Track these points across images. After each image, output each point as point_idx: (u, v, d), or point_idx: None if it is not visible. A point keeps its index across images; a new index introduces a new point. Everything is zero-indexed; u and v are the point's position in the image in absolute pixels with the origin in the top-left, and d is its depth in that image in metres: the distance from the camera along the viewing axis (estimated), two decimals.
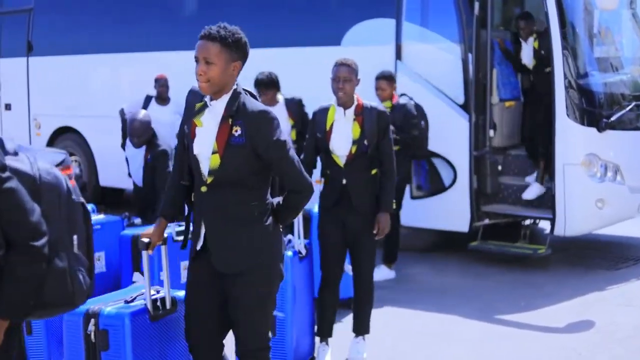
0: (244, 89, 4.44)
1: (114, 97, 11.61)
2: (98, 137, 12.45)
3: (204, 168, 4.35)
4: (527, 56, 9.88)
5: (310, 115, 6.48)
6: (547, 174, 9.34)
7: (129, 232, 6.77)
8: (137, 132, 8.51)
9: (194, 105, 4.49)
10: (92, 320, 4.56)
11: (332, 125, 6.11)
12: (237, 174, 4.29)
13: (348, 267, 6.95)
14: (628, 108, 9.14)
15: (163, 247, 4.72)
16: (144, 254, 4.60)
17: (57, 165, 8.74)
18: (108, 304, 4.67)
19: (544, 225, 10.21)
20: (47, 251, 3.34)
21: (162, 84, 11.04)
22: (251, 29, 11.08)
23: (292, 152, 4.39)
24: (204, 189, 4.36)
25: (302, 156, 6.23)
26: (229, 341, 4.61)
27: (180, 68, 11.30)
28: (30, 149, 9.73)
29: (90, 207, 7.67)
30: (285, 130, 6.72)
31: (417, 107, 8.85)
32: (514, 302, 7.98)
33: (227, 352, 4.68)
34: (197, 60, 4.31)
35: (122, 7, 12.28)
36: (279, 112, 8.68)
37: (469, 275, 9.03)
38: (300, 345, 6.18)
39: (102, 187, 12.58)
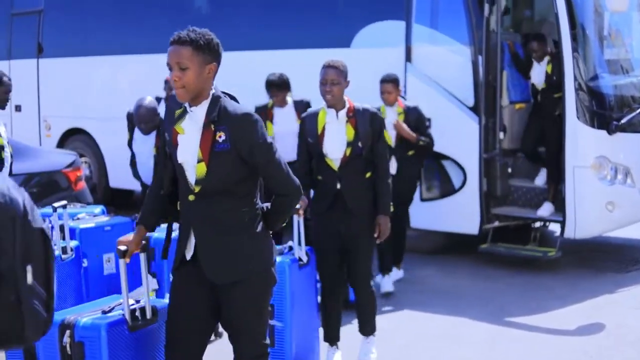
0: (223, 92, 4.36)
1: (123, 98, 11.61)
2: (108, 139, 12.47)
3: (191, 177, 4.21)
4: (537, 77, 9.71)
5: None
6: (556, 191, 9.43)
7: None
8: (144, 118, 8.49)
9: (174, 111, 4.35)
10: (68, 332, 4.38)
11: (323, 128, 6.01)
12: (225, 181, 4.17)
13: None
14: (638, 110, 9.11)
15: (142, 255, 4.55)
16: (121, 262, 4.43)
17: (68, 167, 8.76)
18: (85, 314, 4.48)
19: (554, 227, 10.20)
20: None
21: (171, 86, 11.05)
22: (261, 31, 11.24)
23: (278, 155, 4.27)
24: (191, 197, 4.23)
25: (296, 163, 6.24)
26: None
27: None
28: (39, 150, 9.77)
29: (99, 208, 7.75)
30: (294, 131, 6.66)
31: None
32: (525, 305, 7.96)
33: None
34: (169, 67, 4.18)
35: (132, 9, 12.31)
36: (288, 113, 8.68)
37: (479, 277, 9.02)
38: (304, 352, 6.08)
39: (112, 189, 12.60)
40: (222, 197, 4.19)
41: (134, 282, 6.57)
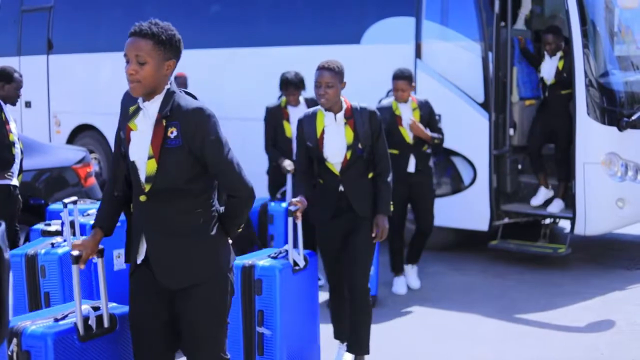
0: (184, 91, 4.13)
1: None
2: None
3: (142, 175, 4.00)
4: (547, 71, 9.54)
5: None
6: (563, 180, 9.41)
7: None
8: None
9: (129, 107, 4.14)
10: (15, 340, 4.09)
11: (322, 132, 5.86)
12: (177, 179, 3.96)
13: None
14: None
15: (99, 261, 4.27)
16: (74, 268, 4.09)
17: (78, 163, 8.77)
18: (36, 321, 4.20)
19: (564, 224, 10.18)
20: None
21: (181, 82, 11.07)
22: (271, 27, 11.23)
23: (231, 154, 4.04)
24: (143, 198, 4.00)
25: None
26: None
27: (201, 66, 11.39)
28: (49, 146, 9.78)
29: None
30: None
31: None
32: (535, 301, 7.96)
33: None
34: (127, 59, 3.96)
35: (141, 5, 12.31)
36: (301, 112, 8.60)
37: (488, 274, 9.01)
38: (304, 357, 5.82)
39: None
40: (174, 197, 3.99)
41: None
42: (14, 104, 7.38)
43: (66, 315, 4.23)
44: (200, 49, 11.47)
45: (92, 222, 6.82)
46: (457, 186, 9.65)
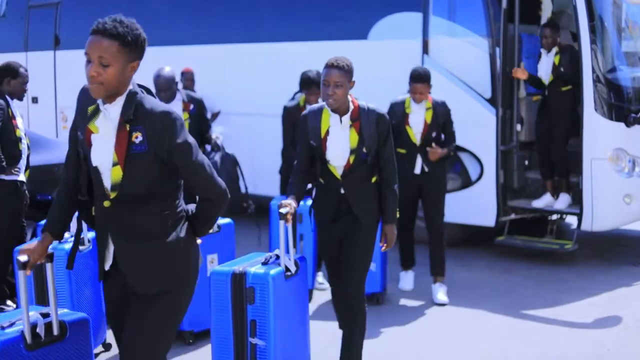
0: (139, 85, 3.93)
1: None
2: None
3: (106, 181, 3.80)
4: (544, 69, 9.41)
5: None
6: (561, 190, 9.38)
7: None
8: (163, 86, 8.50)
9: (87, 107, 3.88)
10: None
11: (327, 133, 5.56)
12: (144, 185, 3.77)
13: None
14: None
15: (49, 266, 4.10)
16: (21, 274, 3.91)
17: None
18: None
19: (571, 220, 10.17)
20: None
21: (188, 78, 11.10)
22: (277, 23, 11.22)
23: (201, 156, 3.86)
24: (107, 203, 3.81)
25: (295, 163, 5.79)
26: None
27: (207, 62, 11.40)
28: (56, 142, 9.79)
29: None
30: None
31: None
32: (541, 297, 7.95)
33: None
34: (88, 58, 3.75)
35: (148, 1, 12.31)
36: None
37: (495, 270, 9.01)
38: None
39: None
40: (140, 201, 3.80)
41: None
42: (20, 99, 7.40)
43: (14, 322, 4.08)
44: (206, 44, 11.49)
45: None
46: (464, 182, 9.64)
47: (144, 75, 11.02)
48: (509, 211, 9.48)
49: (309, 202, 7.70)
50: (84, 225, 6.15)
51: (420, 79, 7.71)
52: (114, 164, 3.75)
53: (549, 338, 6.91)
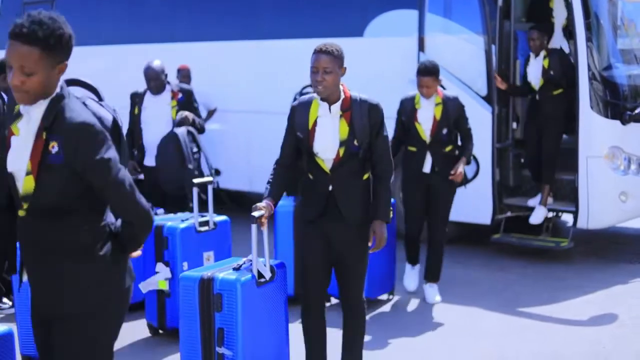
0: (79, 82, 3.74)
1: (136, 87, 11.61)
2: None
3: (20, 190, 3.48)
4: (534, 73, 9.32)
5: None
6: (551, 196, 9.36)
7: None
8: (152, 76, 8.66)
9: (14, 105, 3.57)
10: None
11: (315, 123, 5.17)
12: (58, 199, 3.43)
13: None
14: None
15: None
16: None
17: None
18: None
19: (567, 218, 10.17)
20: None
21: (184, 75, 11.09)
22: (273, 20, 11.21)
23: (122, 174, 3.48)
24: (21, 213, 3.50)
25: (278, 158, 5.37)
26: None
27: (203, 59, 11.38)
28: None
29: None
30: None
31: None
32: (537, 295, 7.95)
33: None
34: (9, 65, 3.39)
35: None
36: None
37: (491, 267, 9.01)
38: None
39: None
40: (56, 215, 3.46)
41: (146, 272, 6.62)
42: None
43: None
44: (203, 41, 11.48)
45: None
46: (461, 180, 9.62)
47: (142, 70, 10.88)
48: (504, 209, 9.49)
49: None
50: None
51: (426, 72, 7.39)
52: (27, 173, 3.42)
53: (545, 336, 6.91)
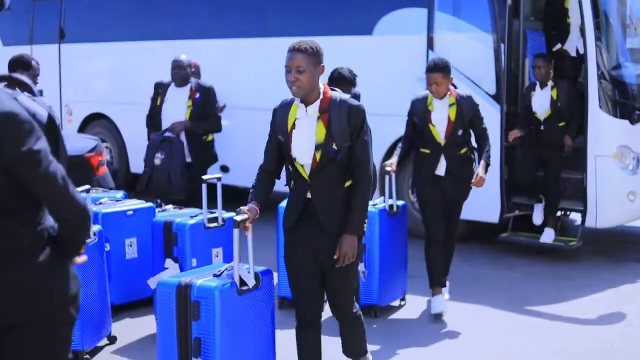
0: (9, 77, 3.53)
1: (145, 84, 11.63)
2: (129, 124, 12.51)
3: None
4: (540, 104, 9.20)
5: None
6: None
7: (161, 218, 6.77)
8: (177, 64, 8.86)
9: None
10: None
11: (293, 126, 4.89)
12: None
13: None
14: None
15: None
16: None
17: (90, 152, 8.78)
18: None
19: (575, 217, 10.17)
20: None
21: (195, 72, 11.09)
22: (283, 18, 11.22)
23: (54, 167, 3.20)
24: None
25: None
26: None
27: (212, 56, 11.40)
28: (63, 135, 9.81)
29: (121, 193, 7.79)
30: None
31: None
32: (546, 294, 7.96)
33: None
34: None
35: None
36: None
37: (499, 266, 9.01)
38: None
39: (133, 174, 12.65)
40: None
41: (155, 268, 6.64)
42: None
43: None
44: (212, 39, 11.50)
45: (104, 210, 6.93)
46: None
47: (156, 67, 10.98)
48: (513, 208, 9.49)
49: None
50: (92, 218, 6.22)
51: (435, 68, 7.03)
52: None
53: (553, 334, 6.91)
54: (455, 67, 9.30)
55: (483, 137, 7.29)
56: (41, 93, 12.02)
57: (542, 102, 9.22)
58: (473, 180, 7.06)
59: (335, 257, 4.80)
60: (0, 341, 3.26)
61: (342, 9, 10.58)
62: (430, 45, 9.61)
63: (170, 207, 7.33)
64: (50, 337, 3.35)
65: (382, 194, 7.41)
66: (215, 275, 4.90)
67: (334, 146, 4.79)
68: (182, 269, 6.43)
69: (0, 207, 3.18)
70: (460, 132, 7.18)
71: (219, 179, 6.63)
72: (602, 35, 8.80)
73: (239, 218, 4.70)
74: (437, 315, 7.25)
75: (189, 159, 8.81)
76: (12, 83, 3.54)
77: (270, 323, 5.08)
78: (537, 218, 9.42)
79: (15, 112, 3.14)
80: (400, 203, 7.53)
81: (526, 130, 9.35)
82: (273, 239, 7.34)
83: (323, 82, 4.93)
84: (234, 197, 9.13)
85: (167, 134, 8.70)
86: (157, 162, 8.74)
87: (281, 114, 4.96)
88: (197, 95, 8.80)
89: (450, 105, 7.12)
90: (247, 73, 11.33)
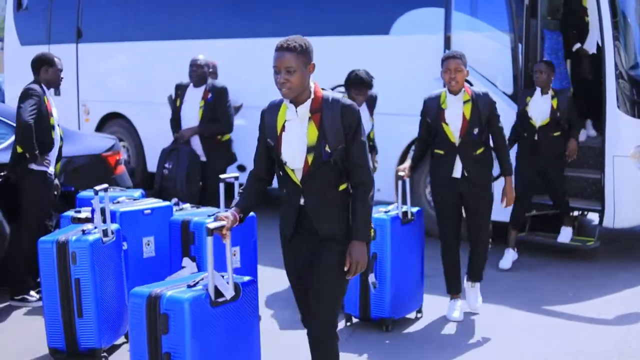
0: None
1: (162, 83, 11.66)
2: (146, 123, 12.55)
3: None
4: (538, 110, 8.88)
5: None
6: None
7: (178, 217, 6.78)
8: (193, 62, 9.08)
9: None
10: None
11: (282, 128, 4.61)
12: None
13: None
14: None
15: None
16: None
17: (107, 151, 8.81)
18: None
19: (593, 216, 10.14)
20: None
21: (212, 71, 11.11)
22: (299, 18, 11.22)
23: None
24: None
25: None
26: None
27: (229, 55, 11.41)
28: (80, 134, 9.85)
29: (139, 192, 7.81)
30: (367, 130, 5.87)
31: None
32: (563, 294, 7.94)
33: None
34: None
35: None
36: (363, 111, 7.67)
37: (516, 266, 8.98)
38: None
39: (150, 173, 12.68)
40: None
41: (173, 267, 6.65)
42: (57, 87, 7.62)
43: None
44: (229, 38, 11.52)
45: (122, 209, 6.95)
46: None
47: (174, 66, 11.03)
48: (530, 208, 9.46)
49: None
50: (108, 216, 6.25)
51: (452, 55, 6.85)
52: None
53: (571, 334, 6.89)
54: (472, 67, 9.33)
55: (500, 137, 7.07)
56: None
57: (540, 108, 8.91)
58: (501, 202, 7.04)
59: (346, 269, 4.53)
60: None
61: (358, 8, 10.57)
62: (447, 44, 9.59)
63: (187, 205, 7.34)
64: None
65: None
66: (188, 286, 4.63)
67: (327, 148, 4.51)
68: (199, 268, 6.44)
69: None
70: (476, 131, 6.92)
71: (236, 178, 6.65)
72: (619, 34, 8.77)
73: (212, 225, 4.47)
74: (452, 320, 7.20)
75: (203, 159, 9.06)
76: None
77: (254, 336, 4.83)
78: (564, 237, 9.25)
79: None
80: (415, 209, 7.17)
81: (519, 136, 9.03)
82: None
83: (313, 80, 4.67)
84: None
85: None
86: (165, 171, 9.01)
87: (269, 115, 4.70)
88: (210, 95, 8.94)
89: (465, 102, 6.88)
90: (264, 72, 11.25)
